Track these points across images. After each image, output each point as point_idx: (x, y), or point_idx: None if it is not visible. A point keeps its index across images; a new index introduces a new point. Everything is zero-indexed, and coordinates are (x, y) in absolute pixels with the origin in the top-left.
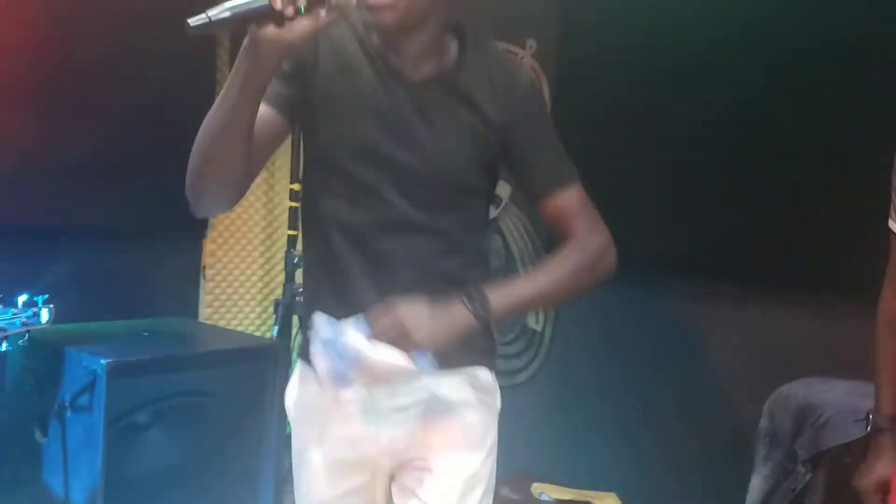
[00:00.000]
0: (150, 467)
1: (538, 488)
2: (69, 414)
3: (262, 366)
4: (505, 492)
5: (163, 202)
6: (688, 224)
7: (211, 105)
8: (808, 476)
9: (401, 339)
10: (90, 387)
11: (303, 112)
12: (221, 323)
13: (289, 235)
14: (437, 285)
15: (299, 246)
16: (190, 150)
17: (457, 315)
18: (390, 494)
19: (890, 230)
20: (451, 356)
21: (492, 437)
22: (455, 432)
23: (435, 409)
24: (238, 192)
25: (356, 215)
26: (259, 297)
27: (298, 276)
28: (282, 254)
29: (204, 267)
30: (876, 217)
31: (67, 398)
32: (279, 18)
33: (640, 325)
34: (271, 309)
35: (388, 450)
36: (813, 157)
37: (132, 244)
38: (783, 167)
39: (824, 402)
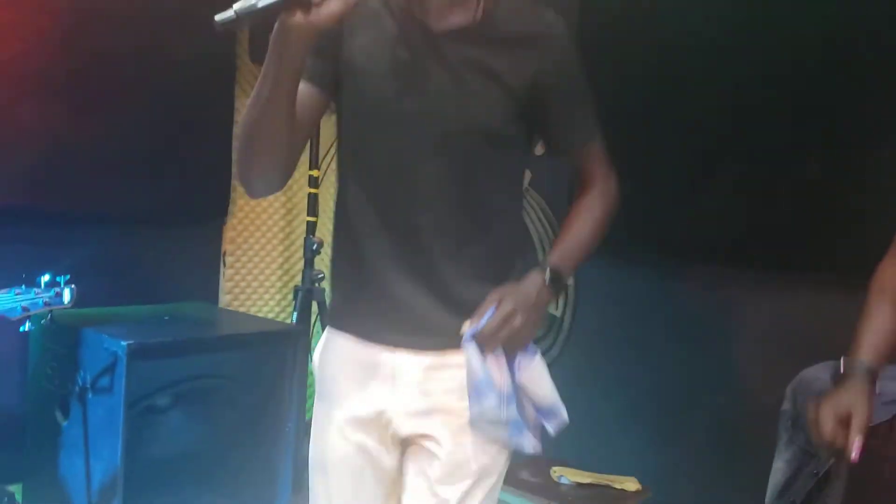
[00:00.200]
0: (170, 450)
1: (557, 472)
2: (90, 396)
3: (282, 350)
4: (524, 475)
5: (183, 189)
6: (709, 207)
7: (230, 94)
8: (832, 460)
9: (515, 341)
10: (111, 368)
11: (339, 79)
12: (241, 309)
13: (308, 222)
14: (474, 247)
15: (318, 232)
16: (211, 138)
17: (544, 297)
18: (399, 464)
19: None
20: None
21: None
22: (462, 428)
23: (442, 398)
24: (287, 172)
25: (385, 183)
26: (278, 283)
27: (317, 262)
28: (301, 240)
29: (224, 253)
30: None
31: (88, 380)
32: (306, 5)
33: (660, 310)
34: (290, 295)
35: (404, 413)
36: (838, 140)
37: (153, 231)
38: (807, 149)
39: None
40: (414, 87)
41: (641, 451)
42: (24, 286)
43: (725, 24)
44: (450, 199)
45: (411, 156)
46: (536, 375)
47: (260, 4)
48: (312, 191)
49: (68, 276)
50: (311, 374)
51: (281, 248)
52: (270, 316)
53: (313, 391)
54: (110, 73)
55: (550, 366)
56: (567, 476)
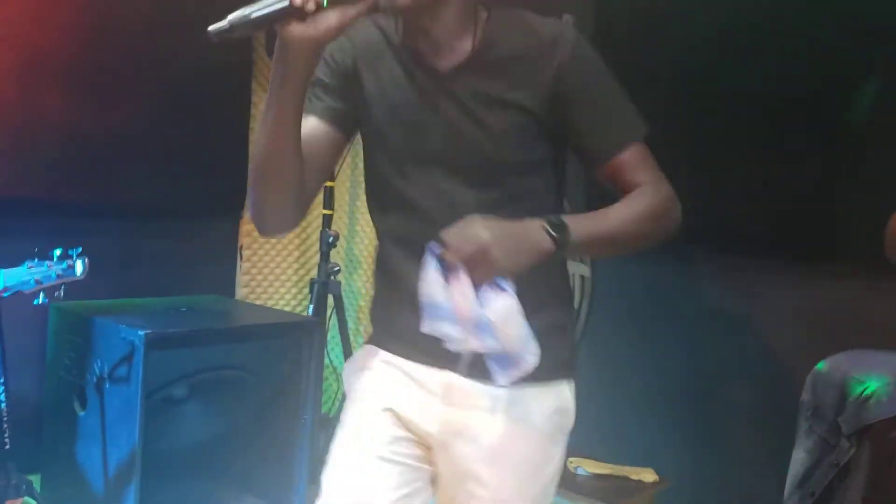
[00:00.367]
0: (186, 441)
1: (574, 463)
2: (108, 386)
3: (298, 342)
4: None
5: (200, 183)
6: (730, 196)
7: (248, 89)
8: (853, 451)
9: (481, 265)
10: (128, 358)
11: (356, 121)
12: (258, 302)
13: (324, 215)
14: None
15: (334, 225)
16: (228, 133)
17: (535, 236)
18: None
19: None
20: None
21: (558, 461)
22: (514, 466)
23: (501, 435)
24: (300, 209)
25: (410, 223)
26: (294, 277)
27: (333, 255)
28: (317, 234)
29: (240, 247)
30: None
31: (106, 370)
32: (301, 15)
33: (678, 300)
34: (306, 288)
35: (437, 428)
36: (863, 129)
37: (170, 224)
38: (827, 138)
39: (869, 374)
40: (430, 129)
41: (659, 442)
42: (36, 259)
43: (748, 12)
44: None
45: (442, 192)
46: (505, 314)
47: (253, 15)
48: (328, 184)
49: (80, 249)
50: (327, 367)
51: (297, 241)
52: (287, 309)
53: (328, 384)
54: (128, 69)
55: None
56: (584, 467)
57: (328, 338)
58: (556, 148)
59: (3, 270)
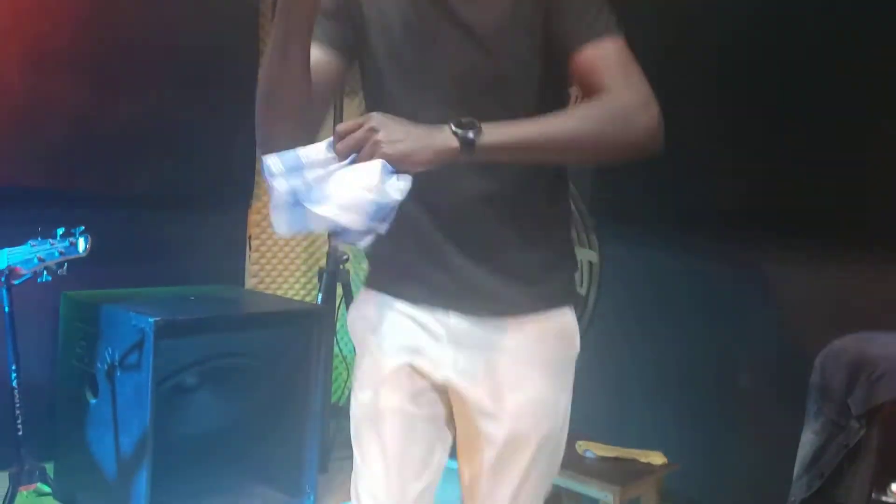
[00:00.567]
0: (197, 428)
1: (583, 446)
2: (119, 373)
3: (307, 330)
4: None
5: (209, 174)
6: (735, 180)
7: (257, 76)
8: (862, 432)
9: (369, 149)
10: (139, 345)
11: (357, 47)
12: (267, 292)
13: None
14: (498, 198)
15: None
16: (236, 124)
17: (438, 135)
18: (450, 407)
19: None
20: (527, 299)
21: (568, 392)
22: (527, 402)
23: (503, 371)
24: (308, 136)
25: None
26: (303, 266)
27: (342, 244)
28: None
29: (249, 237)
30: None
31: (117, 357)
32: None
33: (685, 284)
34: (315, 278)
35: (448, 373)
36: (868, 110)
37: (180, 215)
38: (835, 122)
39: (879, 355)
40: (430, 53)
41: (668, 425)
42: (39, 238)
43: None
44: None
45: (439, 119)
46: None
47: None
48: None
49: (83, 228)
50: (337, 355)
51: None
52: (296, 298)
53: (338, 373)
54: (136, 59)
55: None
56: (592, 450)
57: (337, 326)
58: (552, 67)
59: (7, 249)
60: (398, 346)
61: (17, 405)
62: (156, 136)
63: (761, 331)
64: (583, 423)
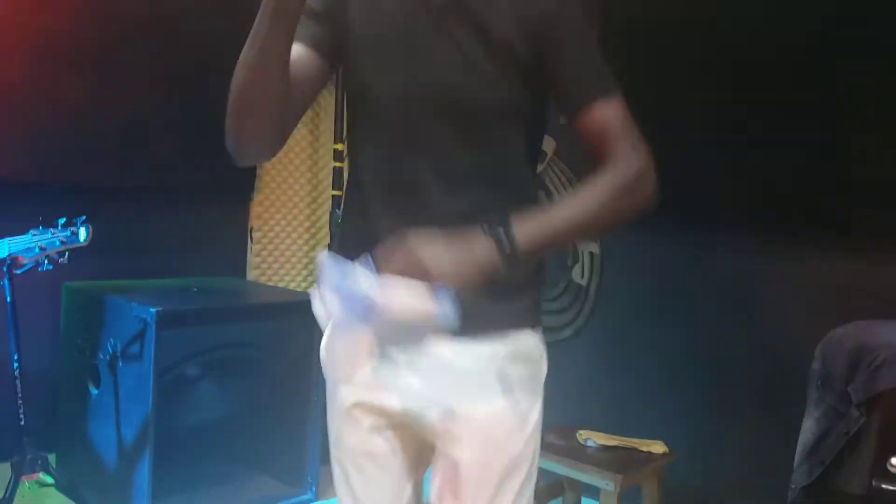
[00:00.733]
0: (199, 419)
1: (584, 435)
2: (120, 364)
3: (309, 321)
4: (550, 438)
5: (211, 166)
6: (737, 172)
7: None
8: (862, 419)
9: (417, 275)
10: (140, 336)
11: (340, 51)
12: (269, 283)
13: (333, 196)
14: (470, 219)
15: None
16: None
17: (478, 248)
18: (419, 448)
19: None
20: (487, 319)
21: (535, 413)
22: (487, 422)
23: (461, 392)
24: (278, 138)
25: (384, 152)
26: (305, 259)
27: None
28: (327, 215)
29: (251, 229)
30: None
31: (119, 348)
32: None
33: (685, 275)
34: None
35: (405, 407)
36: (870, 104)
37: (181, 207)
38: (838, 113)
39: (880, 344)
40: (416, 58)
41: (669, 414)
42: (41, 227)
43: None
44: (456, 163)
45: (414, 119)
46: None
47: None
48: (338, 164)
49: (84, 217)
50: None
51: (307, 223)
52: (298, 290)
53: None
54: (138, 51)
55: (575, 335)
56: (594, 439)
57: None
58: (532, 106)
59: (8, 239)
60: (354, 381)
61: (20, 395)
62: (157, 128)
63: (762, 320)
64: (584, 417)
